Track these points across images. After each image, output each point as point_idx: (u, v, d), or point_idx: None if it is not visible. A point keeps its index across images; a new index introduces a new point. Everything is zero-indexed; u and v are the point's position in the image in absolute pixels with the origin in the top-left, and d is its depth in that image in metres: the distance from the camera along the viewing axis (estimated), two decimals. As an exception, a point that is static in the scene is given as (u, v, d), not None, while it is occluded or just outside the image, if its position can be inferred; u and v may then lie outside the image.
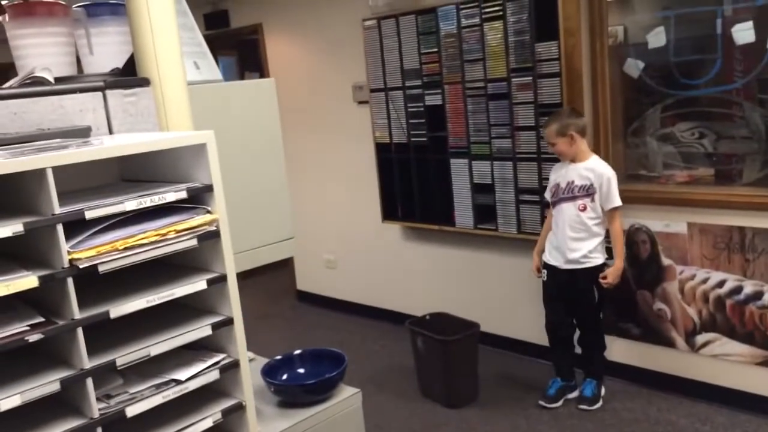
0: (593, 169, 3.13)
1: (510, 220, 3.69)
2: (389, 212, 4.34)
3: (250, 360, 2.58)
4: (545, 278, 3.34)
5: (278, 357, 2.44)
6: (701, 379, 3.25)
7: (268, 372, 2.34)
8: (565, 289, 3.26)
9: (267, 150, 1.91)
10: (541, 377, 3.66)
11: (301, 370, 2.43)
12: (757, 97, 2.99)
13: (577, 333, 3.36)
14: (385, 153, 4.25)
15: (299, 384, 2.33)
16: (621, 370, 3.50)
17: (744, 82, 3.00)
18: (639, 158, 3.42)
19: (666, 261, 3.27)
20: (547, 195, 3.31)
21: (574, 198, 3.15)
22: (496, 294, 4.01)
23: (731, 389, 3.14)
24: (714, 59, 3.07)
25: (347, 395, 2.35)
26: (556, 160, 3.44)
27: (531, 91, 3.48)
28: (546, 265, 3.32)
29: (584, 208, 3.13)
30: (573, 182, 3.14)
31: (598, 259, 3.19)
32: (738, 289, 3.06)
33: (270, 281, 5.80)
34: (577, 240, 3.17)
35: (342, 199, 4.75)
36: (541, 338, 3.84)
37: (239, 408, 1.42)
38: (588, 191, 3.12)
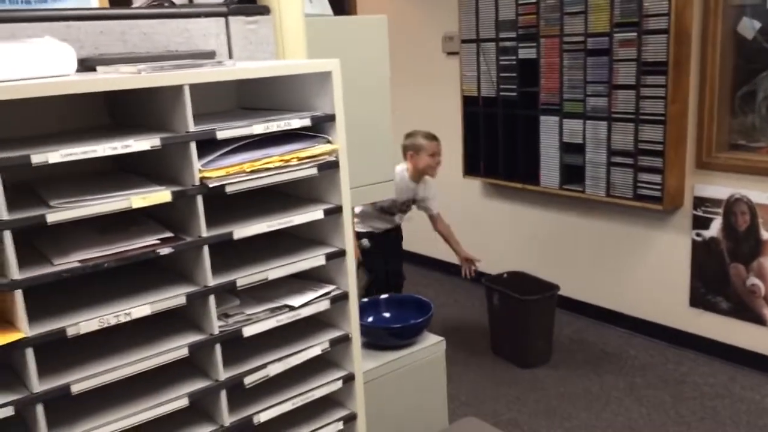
0: (431, 183, 3.76)
1: (599, 182, 3.58)
2: (471, 167, 4.27)
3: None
4: (368, 244, 3.73)
5: (365, 299, 2.46)
6: (791, 360, 3.13)
7: (356, 313, 2.37)
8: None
9: (375, 88, 1.88)
10: (617, 343, 3.60)
11: (387, 314, 2.45)
12: None
13: None
14: (471, 106, 4.17)
15: (386, 327, 2.35)
16: (706, 344, 3.40)
17: None
18: (746, 126, 3.24)
19: (765, 235, 3.11)
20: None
21: (406, 210, 3.81)
22: (577, 258, 3.92)
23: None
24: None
25: (432, 342, 2.35)
26: (656, 123, 3.29)
27: (635, 48, 3.31)
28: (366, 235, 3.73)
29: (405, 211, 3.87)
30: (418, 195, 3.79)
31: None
32: (844, 270, 2.90)
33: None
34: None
35: (423, 151, 4.70)
36: (619, 305, 3.76)
37: (346, 339, 1.43)
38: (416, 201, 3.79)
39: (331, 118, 1.37)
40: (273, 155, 1.30)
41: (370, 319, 2.41)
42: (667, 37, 3.19)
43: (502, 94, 3.99)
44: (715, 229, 3.28)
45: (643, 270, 3.61)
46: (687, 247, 3.39)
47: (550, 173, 3.82)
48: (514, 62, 3.88)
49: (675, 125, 3.27)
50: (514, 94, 3.92)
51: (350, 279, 1.41)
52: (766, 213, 3.10)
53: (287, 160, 1.31)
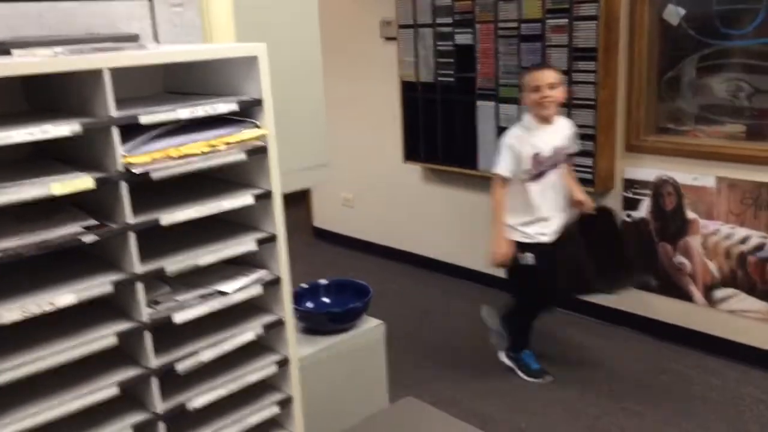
0: (568, 126, 3.02)
1: (534, 166, 3.66)
2: (411, 152, 4.30)
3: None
4: (532, 261, 2.94)
5: (304, 285, 2.46)
6: (716, 334, 3.27)
7: (293, 299, 2.37)
8: (553, 259, 2.97)
9: (307, 69, 1.88)
10: (550, 322, 3.70)
11: (326, 300, 2.47)
12: (800, 51, 2.92)
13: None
14: (410, 92, 4.19)
15: (325, 312, 2.36)
16: (637, 321, 3.53)
17: (788, 34, 2.92)
18: (671, 110, 3.36)
19: (691, 214, 3.25)
20: (515, 168, 2.89)
21: (559, 163, 2.95)
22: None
23: (746, 345, 3.16)
24: (757, 9, 2.98)
25: (371, 326, 2.39)
26: (587, 108, 3.39)
27: (566, 34, 3.39)
28: (531, 245, 2.95)
29: (561, 175, 3.00)
30: (557, 147, 2.92)
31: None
32: (761, 246, 3.05)
33: (286, 216, 5.82)
34: (564, 210, 3.00)
35: (363, 137, 4.72)
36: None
37: (279, 324, 1.44)
38: (567, 152, 3.00)
39: (259, 102, 1.37)
40: (199, 140, 1.29)
41: (310, 304, 2.42)
42: (597, 24, 3.28)
43: (440, 79, 4.02)
44: (644, 210, 3.40)
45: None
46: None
47: (487, 157, 3.88)
48: (452, 48, 3.92)
49: (605, 110, 3.36)
50: (452, 79, 3.96)
51: (282, 264, 1.42)
52: (691, 194, 3.23)
53: (214, 146, 1.31)
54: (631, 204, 3.45)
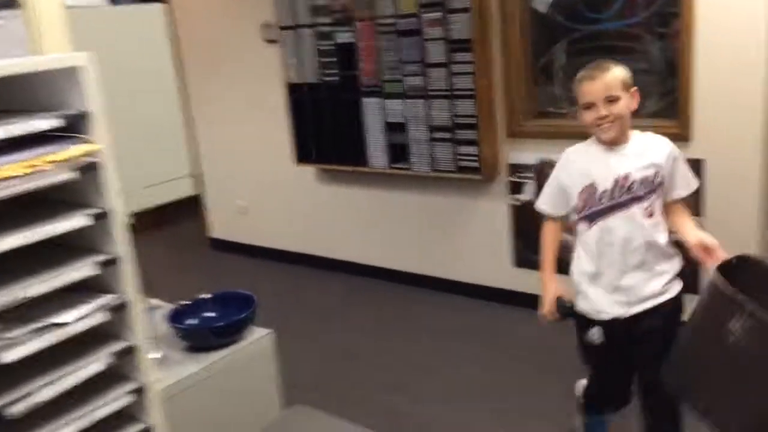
0: (656, 146, 2.04)
1: (423, 159, 3.68)
2: (303, 154, 4.24)
3: (156, 307, 2.50)
4: (599, 339, 2.10)
5: (185, 302, 2.37)
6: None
7: (175, 317, 2.27)
8: (627, 345, 2.10)
9: (157, 81, 1.79)
10: (453, 310, 3.74)
11: (211, 314, 2.38)
12: (656, 30, 3.05)
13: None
14: (296, 93, 4.13)
15: (206, 327, 2.28)
16: (530, 299, 3.61)
17: (645, 15, 3.04)
18: (548, 95, 3.45)
19: (572, 194, 3.35)
20: (560, 202, 2.17)
21: (633, 201, 1.99)
22: (411, 233, 4.03)
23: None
24: (618, -7, 3.10)
25: (258, 336, 2.32)
26: (468, 97, 3.43)
27: (441, 27, 3.43)
28: (597, 322, 2.10)
29: (652, 214, 2.01)
30: (629, 177, 1.98)
31: (678, 282, 2.08)
32: (639, 219, 3.19)
33: (181, 230, 5.62)
34: (650, 269, 2.03)
35: (253, 142, 4.61)
36: (451, 273, 3.91)
37: (130, 351, 1.35)
38: (653, 185, 1.99)
39: (85, 116, 1.28)
40: (18, 161, 1.19)
41: (193, 321, 2.33)
42: (470, 15, 3.33)
43: (325, 79, 3.98)
44: (528, 192, 3.49)
45: (470, 238, 3.78)
46: (506, 212, 3.59)
47: (377, 154, 3.88)
48: (333, 47, 3.88)
49: (485, 98, 3.42)
50: (337, 78, 3.93)
51: (129, 287, 1.34)
52: (571, 174, 3.33)
53: (35, 165, 1.21)
54: (516, 188, 3.53)
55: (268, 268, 4.67)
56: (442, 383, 3.09)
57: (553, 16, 3.31)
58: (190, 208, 5.21)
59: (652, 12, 3.02)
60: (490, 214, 3.66)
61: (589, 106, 1.99)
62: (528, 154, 3.45)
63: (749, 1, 2.68)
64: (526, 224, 3.53)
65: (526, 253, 3.59)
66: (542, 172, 3.41)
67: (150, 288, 2.59)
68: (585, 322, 2.13)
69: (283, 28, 4.05)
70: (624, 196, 2.00)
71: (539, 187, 3.45)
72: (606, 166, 2.02)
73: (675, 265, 2.07)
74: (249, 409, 2.26)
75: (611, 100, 1.96)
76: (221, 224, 5.02)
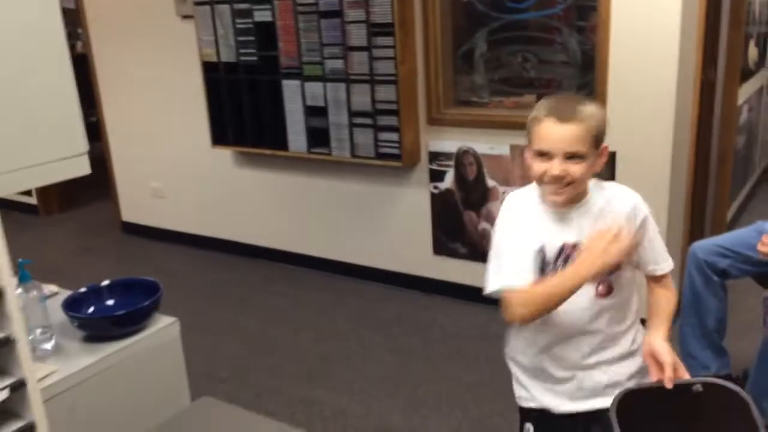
0: (622, 202, 1.57)
1: (344, 144, 3.62)
2: (219, 136, 4.10)
3: (53, 294, 2.35)
4: None
5: (82, 289, 2.23)
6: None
7: (71, 305, 2.13)
8: None
9: (45, 50, 1.65)
10: (373, 298, 3.73)
11: (111, 302, 2.25)
12: (575, 23, 3.10)
13: None
14: (212, 72, 3.97)
15: (106, 316, 2.15)
16: (450, 288, 3.64)
17: (563, 7, 3.09)
18: (469, 83, 3.46)
19: (490, 182, 3.38)
20: (516, 264, 1.54)
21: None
22: (330, 219, 3.97)
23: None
24: (538, -17, 3.13)
25: (163, 325, 2.21)
26: (389, 83, 3.39)
27: (363, 9, 3.37)
28: (533, 410, 1.67)
29: (608, 292, 1.56)
30: (579, 247, 1.51)
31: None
32: (554, 208, 3.24)
33: (92, 214, 5.38)
34: (605, 355, 1.61)
35: (168, 123, 4.43)
36: (371, 260, 3.88)
37: (7, 342, 1.24)
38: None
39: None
40: None
41: (91, 309, 2.20)
42: (392, -1, 3.29)
43: (242, 59, 3.85)
44: (448, 180, 3.49)
45: (391, 225, 3.76)
46: (427, 200, 3.58)
47: (297, 138, 3.80)
48: (251, 25, 3.76)
49: (406, 85, 3.39)
50: (255, 58, 3.80)
51: (3, 270, 1.22)
52: (489, 163, 3.36)
53: None
54: (437, 176, 3.53)
55: (183, 253, 4.52)
56: (359, 372, 3.07)
57: (475, 4, 3.31)
58: (101, 189, 4.97)
59: (571, 4, 3.07)
60: (411, 202, 3.65)
61: (543, 154, 1.47)
62: (448, 142, 3.45)
63: (661, -3, 2.75)
64: (446, 212, 3.54)
65: (446, 242, 3.60)
66: (462, 160, 3.43)
67: (52, 273, 2.44)
68: (523, 415, 1.74)
69: (198, 3, 3.89)
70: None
71: (459, 175, 3.48)
72: (554, 226, 1.55)
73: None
74: (154, 402, 2.15)
75: (573, 156, 1.45)
76: (134, 207, 4.81)
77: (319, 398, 2.88)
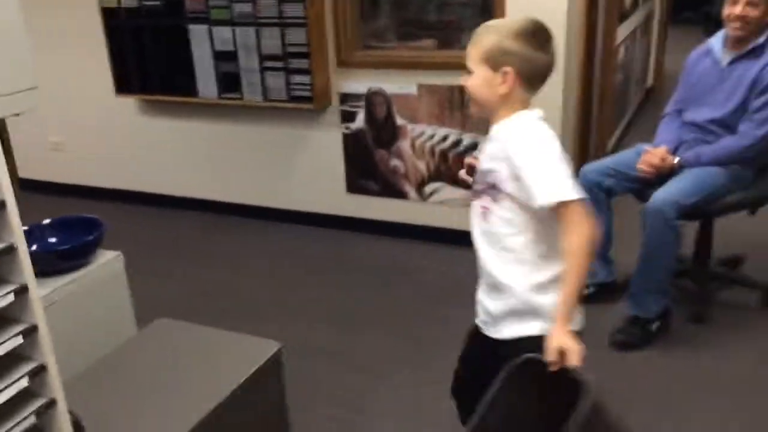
0: (503, 136, 1.60)
1: (255, 88, 3.70)
2: (123, 85, 4.03)
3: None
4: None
5: (24, 228, 2.24)
6: (430, 224, 3.72)
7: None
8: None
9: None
10: (292, 238, 3.88)
11: (53, 239, 2.29)
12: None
13: None
14: (113, 18, 3.89)
15: (52, 250, 2.19)
16: (363, 224, 3.85)
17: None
18: (376, 26, 3.62)
19: (400, 121, 3.60)
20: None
21: (476, 194, 1.69)
22: (244, 164, 4.05)
23: (454, 229, 3.64)
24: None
25: (107, 259, 2.29)
26: (299, 26, 3.49)
27: (270, -47, 3.43)
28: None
29: (485, 214, 1.65)
30: (483, 168, 1.65)
31: (530, 324, 1.62)
32: (458, 142, 3.52)
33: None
34: (483, 282, 1.74)
35: (67, 73, 4.28)
36: (286, 203, 4.02)
37: (23, 290, 1.31)
38: (491, 180, 1.61)
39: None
40: None
41: (35, 246, 2.22)
42: (298, -59, 3.37)
43: (144, 3, 3.79)
44: (360, 121, 3.68)
45: (305, 167, 3.90)
46: (339, 141, 3.75)
47: (207, 84, 3.82)
48: (153, -31, 3.71)
49: (315, 28, 3.50)
50: (158, 2, 3.76)
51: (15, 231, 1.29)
52: (398, 102, 3.56)
53: None
54: (348, 117, 3.70)
55: (90, 208, 4.39)
56: (295, 308, 3.22)
57: (378, -50, 3.46)
58: (-8, 146, 4.73)
59: (468, -50, 3.28)
60: (324, 143, 3.80)
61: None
62: (358, 83, 3.61)
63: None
64: (358, 152, 3.73)
65: (359, 180, 3.80)
66: (372, 101, 3.61)
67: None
68: None
69: (94, -54, 3.78)
70: (477, 184, 1.67)
71: (369, 116, 3.66)
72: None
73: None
74: (103, 333, 2.24)
75: (470, 72, 1.60)
76: (33, 163, 4.64)
77: (257, 331, 3.02)
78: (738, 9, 2.62)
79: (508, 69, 1.54)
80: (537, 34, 1.56)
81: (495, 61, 1.55)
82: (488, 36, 1.57)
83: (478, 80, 1.58)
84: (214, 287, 3.44)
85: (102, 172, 4.47)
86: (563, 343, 1.45)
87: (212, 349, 2.02)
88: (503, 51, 1.54)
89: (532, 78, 1.57)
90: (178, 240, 4.01)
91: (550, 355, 1.46)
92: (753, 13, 2.60)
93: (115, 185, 4.45)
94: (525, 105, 1.61)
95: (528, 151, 1.54)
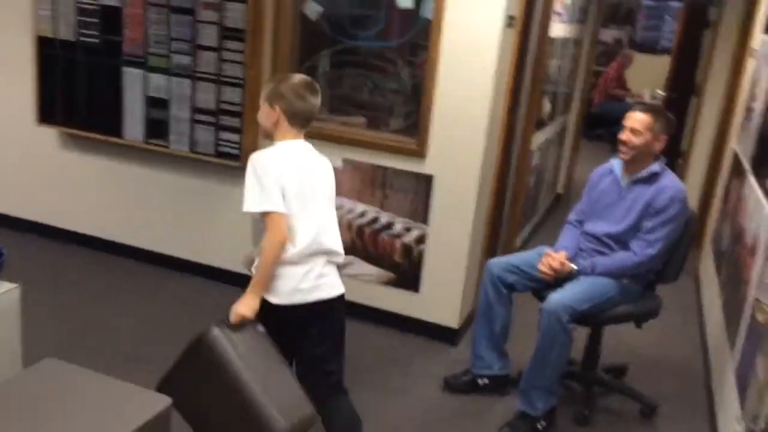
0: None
1: (183, 138, 3.70)
2: (46, 115, 3.95)
3: None
4: None
5: None
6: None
7: None
8: None
9: None
10: (196, 291, 3.81)
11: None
12: (408, 58, 3.50)
13: None
14: (48, 49, 3.83)
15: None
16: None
17: (399, 42, 3.47)
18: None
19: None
20: None
21: None
22: (161, 212, 4.00)
23: (362, 304, 3.68)
24: (379, 16, 3.48)
25: (3, 290, 2.20)
26: (236, 86, 3.55)
27: (217, 12, 3.51)
28: None
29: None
30: None
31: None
32: (375, 219, 3.61)
33: None
34: None
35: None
36: (199, 256, 3.97)
37: None
38: None
39: None
40: None
41: None
42: (246, 7, 3.47)
43: (82, 39, 3.78)
44: (282, 185, 3.71)
45: (222, 222, 3.88)
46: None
47: (134, 126, 3.80)
48: (96, 7, 3.71)
49: (252, 89, 3.56)
50: (97, 41, 3.75)
51: None
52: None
53: None
54: (271, 179, 3.73)
55: (5, 237, 4.23)
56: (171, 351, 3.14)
57: (323, 25, 3.60)
58: None
59: (406, 40, 3.46)
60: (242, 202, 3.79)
61: None
62: (286, 148, 3.66)
63: (484, 46, 3.22)
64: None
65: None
66: (297, 166, 3.66)
67: None
68: None
69: (39, -24, 3.76)
70: None
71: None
72: None
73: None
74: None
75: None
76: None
77: (151, 380, 2.93)
78: (624, 135, 2.89)
79: (276, 111, 2.28)
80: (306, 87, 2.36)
81: (269, 101, 2.29)
82: (267, 85, 2.34)
83: (263, 115, 2.33)
84: (111, 331, 3.32)
85: (14, 201, 4.29)
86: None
87: (98, 397, 1.93)
88: (268, 92, 2.30)
89: (293, 117, 2.31)
90: (83, 279, 3.87)
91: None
92: (635, 140, 2.86)
93: (26, 216, 4.28)
94: (293, 136, 2.38)
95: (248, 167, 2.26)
